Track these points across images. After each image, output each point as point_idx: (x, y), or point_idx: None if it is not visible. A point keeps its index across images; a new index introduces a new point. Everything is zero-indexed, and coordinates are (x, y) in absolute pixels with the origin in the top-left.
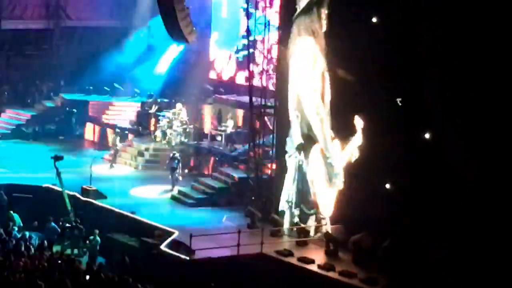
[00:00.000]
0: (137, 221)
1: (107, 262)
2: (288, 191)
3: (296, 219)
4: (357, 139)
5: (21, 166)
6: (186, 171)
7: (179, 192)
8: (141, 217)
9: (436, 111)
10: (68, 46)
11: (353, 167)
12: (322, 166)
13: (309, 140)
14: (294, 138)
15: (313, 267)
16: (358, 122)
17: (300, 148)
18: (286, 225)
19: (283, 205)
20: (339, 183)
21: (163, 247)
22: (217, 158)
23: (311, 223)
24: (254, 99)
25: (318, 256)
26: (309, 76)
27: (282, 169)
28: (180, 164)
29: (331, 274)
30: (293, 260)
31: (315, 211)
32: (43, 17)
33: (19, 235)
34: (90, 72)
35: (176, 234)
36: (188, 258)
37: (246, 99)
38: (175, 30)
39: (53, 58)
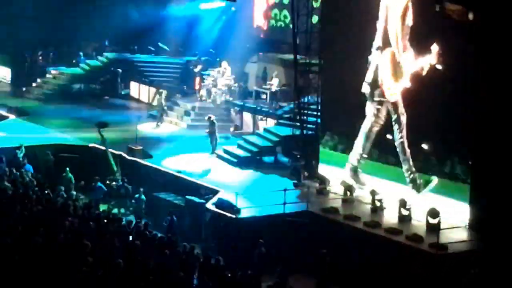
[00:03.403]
0: (183, 180)
1: (154, 221)
2: (367, 80)
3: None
4: (431, 59)
5: (66, 126)
6: (232, 129)
7: (225, 151)
8: (187, 176)
9: None
10: (113, 6)
11: None
12: (390, 65)
13: (386, 42)
14: (376, 40)
15: (359, 225)
16: (434, 47)
17: (379, 49)
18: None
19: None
20: (406, 83)
21: (209, 205)
22: (262, 116)
23: None
24: (298, 56)
25: (364, 214)
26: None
27: (326, 127)
28: (216, 127)
29: (377, 231)
30: (339, 218)
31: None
32: None
33: (66, 195)
34: (134, 32)
35: (221, 192)
36: (234, 216)
37: (291, 57)
38: None
39: (98, 18)
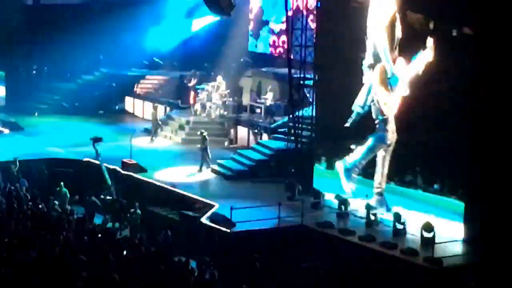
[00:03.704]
0: (177, 194)
1: (148, 235)
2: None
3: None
4: (426, 56)
5: (61, 140)
6: (226, 143)
7: (219, 164)
8: (181, 190)
9: None
10: (107, 20)
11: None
12: (382, 80)
13: (377, 59)
14: (367, 58)
15: (354, 239)
16: (429, 41)
17: (370, 66)
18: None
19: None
20: (403, 92)
21: (203, 220)
22: (256, 131)
23: None
24: (293, 71)
25: (358, 228)
26: (379, 15)
27: (321, 140)
28: (208, 143)
29: (372, 245)
30: (334, 232)
31: None
32: None
33: (60, 209)
34: (129, 46)
35: (216, 206)
36: (228, 230)
37: (285, 71)
38: (213, 2)
39: (92, 32)
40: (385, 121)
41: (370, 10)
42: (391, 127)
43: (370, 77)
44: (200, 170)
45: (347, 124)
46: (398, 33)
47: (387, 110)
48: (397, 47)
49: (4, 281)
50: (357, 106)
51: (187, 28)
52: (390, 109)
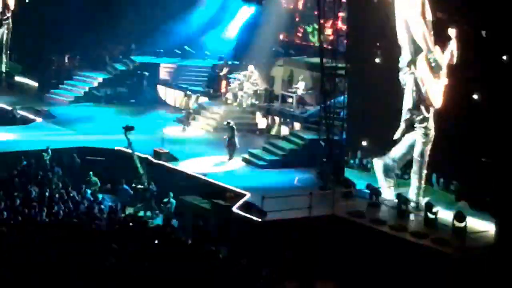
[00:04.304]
0: (209, 183)
1: (179, 224)
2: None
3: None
4: (452, 46)
5: (93, 129)
6: (258, 132)
7: (250, 153)
8: (213, 179)
9: None
10: (139, 8)
11: None
12: (427, 67)
13: (417, 53)
14: (405, 56)
15: (385, 228)
16: (452, 32)
17: (411, 63)
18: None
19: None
20: (444, 80)
21: (235, 209)
22: (288, 120)
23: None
24: (325, 60)
25: (390, 217)
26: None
27: (353, 130)
28: (235, 133)
29: (402, 235)
30: (365, 222)
31: None
32: None
33: (92, 198)
34: (161, 35)
35: (248, 196)
36: (260, 220)
37: (317, 60)
38: None
39: (124, 21)
40: (427, 118)
41: (396, 2)
42: (431, 122)
43: (406, 77)
44: (231, 158)
45: (397, 136)
46: (429, 16)
47: (436, 101)
48: (432, 31)
49: (35, 267)
50: (407, 112)
51: (220, 18)
52: (435, 101)
